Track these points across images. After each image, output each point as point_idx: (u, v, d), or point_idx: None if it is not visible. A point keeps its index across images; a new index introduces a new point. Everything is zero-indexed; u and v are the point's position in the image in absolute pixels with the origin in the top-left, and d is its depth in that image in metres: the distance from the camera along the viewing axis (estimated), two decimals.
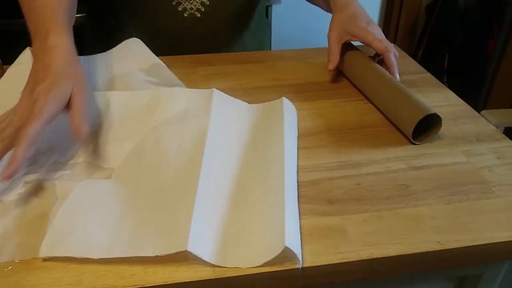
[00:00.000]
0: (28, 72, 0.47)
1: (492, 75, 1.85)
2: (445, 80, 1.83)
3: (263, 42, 0.87)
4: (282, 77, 0.67)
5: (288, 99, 0.57)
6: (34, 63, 0.48)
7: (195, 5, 0.71)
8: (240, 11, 0.77)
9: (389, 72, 0.59)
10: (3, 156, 0.42)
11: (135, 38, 0.68)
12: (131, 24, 0.74)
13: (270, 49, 0.96)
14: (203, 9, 0.72)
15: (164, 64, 0.64)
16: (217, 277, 0.34)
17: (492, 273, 0.44)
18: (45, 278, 0.34)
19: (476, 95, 1.81)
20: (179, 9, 0.71)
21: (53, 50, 0.47)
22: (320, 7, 0.75)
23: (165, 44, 0.72)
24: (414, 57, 0.62)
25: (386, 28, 1.94)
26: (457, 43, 1.83)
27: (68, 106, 0.45)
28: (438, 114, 0.49)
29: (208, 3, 0.71)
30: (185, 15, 0.71)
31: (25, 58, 0.59)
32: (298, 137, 0.51)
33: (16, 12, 0.55)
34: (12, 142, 0.41)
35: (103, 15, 0.76)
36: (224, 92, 0.57)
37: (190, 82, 0.63)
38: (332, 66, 0.62)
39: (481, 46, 1.84)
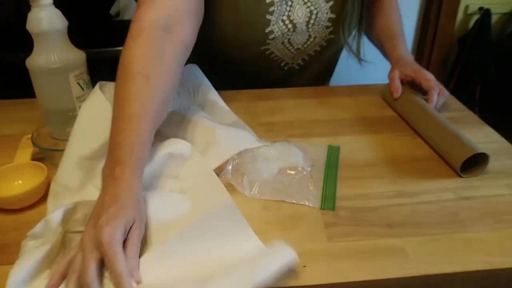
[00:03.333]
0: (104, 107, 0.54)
1: None
2: (476, 111, 1.87)
3: None
4: (336, 112, 0.75)
5: (342, 133, 0.66)
6: (102, 191, 0.45)
7: (295, 61, 0.82)
8: (331, 61, 0.91)
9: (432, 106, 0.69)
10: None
11: (193, 65, 0.75)
12: (227, 68, 0.82)
13: None
14: (302, 63, 0.83)
15: (221, 99, 0.72)
16: None
17: None
18: None
19: (509, 127, 1.84)
20: (282, 64, 0.82)
21: (118, 183, 0.45)
22: (376, 46, 0.85)
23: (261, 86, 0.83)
24: (445, 88, 0.72)
25: (418, 59, 2.01)
26: (489, 75, 1.88)
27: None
28: (486, 153, 0.56)
29: (307, 59, 0.82)
30: (286, 68, 0.83)
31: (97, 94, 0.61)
32: (357, 167, 0.59)
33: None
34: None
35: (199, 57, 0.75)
36: (280, 126, 0.66)
37: (250, 116, 0.72)
38: (396, 95, 0.73)
39: None
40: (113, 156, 0.47)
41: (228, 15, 0.72)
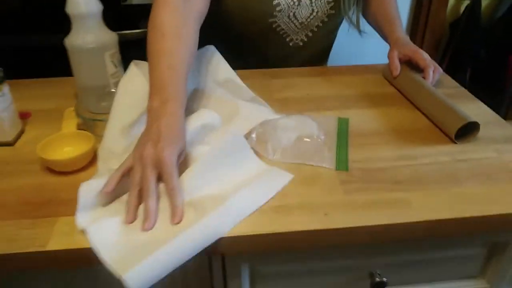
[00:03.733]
0: (140, 82, 0.62)
1: None
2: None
3: None
4: (343, 88, 0.83)
5: (349, 107, 0.74)
6: (153, 121, 0.54)
7: (300, 37, 0.89)
8: (330, 40, 0.97)
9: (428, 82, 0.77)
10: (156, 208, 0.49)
11: (211, 47, 0.81)
12: (239, 49, 0.89)
13: None
14: (306, 39, 0.90)
15: (238, 77, 0.78)
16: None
17: None
18: None
19: (497, 107, 1.94)
20: (287, 39, 0.89)
21: (171, 116, 0.54)
22: (374, 28, 0.93)
23: (264, 66, 0.90)
24: None
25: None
26: (479, 58, 1.96)
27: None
28: (477, 121, 0.64)
29: (310, 34, 0.90)
30: (291, 44, 0.90)
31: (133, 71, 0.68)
32: (364, 135, 0.67)
33: None
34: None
35: (209, 34, 0.79)
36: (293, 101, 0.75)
37: (264, 93, 0.79)
38: (396, 73, 0.81)
39: (502, 61, 1.98)
40: (161, 94, 0.56)
41: None
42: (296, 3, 0.83)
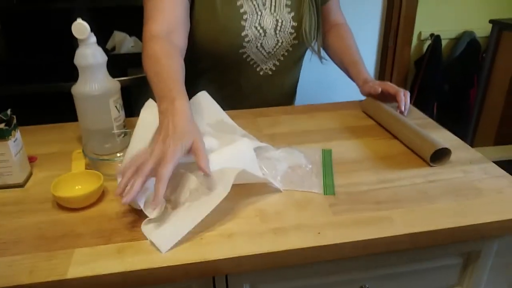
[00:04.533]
0: (155, 116, 0.69)
1: (475, 119, 2.14)
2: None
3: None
4: (324, 123, 0.91)
5: (332, 139, 0.82)
6: (164, 119, 0.63)
7: (268, 66, 0.99)
8: (296, 69, 1.08)
9: (399, 106, 0.88)
10: (142, 186, 0.57)
11: (203, 92, 0.88)
12: (213, 81, 0.98)
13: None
14: (274, 68, 1.00)
15: (229, 118, 0.85)
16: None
17: (487, 249, 0.65)
18: None
19: (463, 135, 2.08)
20: (257, 69, 0.98)
21: (179, 112, 0.63)
22: (339, 67, 1.05)
23: (239, 94, 1.00)
24: None
25: (380, 80, 2.24)
26: (443, 93, 2.12)
27: (189, 152, 0.61)
28: (449, 148, 0.73)
29: (278, 63, 1.00)
30: (261, 73, 0.99)
31: (150, 105, 0.77)
32: (347, 163, 0.74)
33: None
34: (148, 176, 0.58)
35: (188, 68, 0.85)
36: (280, 136, 0.83)
37: (254, 130, 0.86)
38: (378, 91, 0.92)
39: (464, 95, 2.15)
40: (167, 97, 0.65)
41: (208, 23, 0.89)
42: (262, 34, 0.93)
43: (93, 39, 0.72)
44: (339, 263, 0.61)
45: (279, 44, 0.96)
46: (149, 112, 0.74)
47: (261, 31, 0.93)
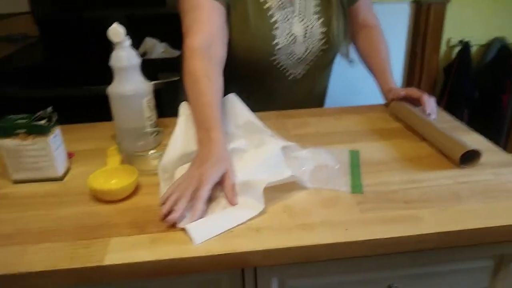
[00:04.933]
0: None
1: (508, 125, 2.08)
2: None
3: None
4: (350, 125, 0.92)
5: (359, 141, 0.82)
6: (200, 148, 0.68)
7: (298, 70, 1.01)
8: (325, 73, 1.09)
9: (425, 109, 0.88)
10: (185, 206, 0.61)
11: (232, 95, 0.90)
12: (243, 87, 0.99)
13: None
14: (304, 72, 1.01)
15: (257, 119, 0.86)
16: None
17: None
18: None
19: (495, 142, 2.02)
20: (287, 74, 1.00)
21: (214, 142, 0.67)
22: (366, 68, 1.05)
23: (269, 99, 1.02)
24: None
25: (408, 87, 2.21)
26: (473, 99, 2.08)
27: (221, 181, 0.65)
28: (479, 149, 0.72)
29: (308, 67, 1.01)
30: (290, 78, 1.01)
31: (184, 110, 0.81)
32: (375, 164, 0.75)
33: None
34: (190, 200, 0.62)
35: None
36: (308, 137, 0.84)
37: (281, 130, 0.87)
38: (404, 94, 0.93)
39: (495, 101, 2.09)
40: (204, 125, 0.70)
41: (242, 33, 0.91)
42: (292, 41, 0.95)
43: (128, 42, 0.76)
44: (366, 260, 0.62)
45: (309, 50, 0.98)
46: (186, 117, 0.79)
47: (291, 38, 0.95)
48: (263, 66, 0.97)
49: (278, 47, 0.94)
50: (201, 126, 0.71)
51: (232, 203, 0.63)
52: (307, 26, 0.96)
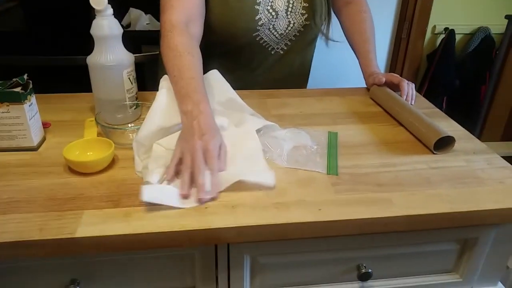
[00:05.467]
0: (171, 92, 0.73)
1: (484, 116, 2.13)
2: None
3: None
4: (331, 107, 0.92)
5: (339, 123, 0.83)
6: (191, 120, 0.67)
7: (280, 46, 1.00)
8: (308, 50, 1.08)
9: (402, 95, 0.90)
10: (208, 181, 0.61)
11: (214, 70, 0.89)
12: (226, 63, 0.99)
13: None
14: (285, 48, 1.01)
15: (238, 97, 0.86)
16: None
17: (485, 236, 0.67)
18: None
19: (470, 131, 2.07)
20: (269, 49, 1.00)
21: (206, 114, 0.68)
22: (353, 51, 1.05)
23: (251, 75, 1.01)
24: None
25: (391, 72, 2.23)
26: (454, 88, 2.11)
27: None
28: (453, 136, 0.73)
29: (289, 43, 1.01)
30: (272, 52, 1.00)
31: (165, 83, 0.78)
32: (352, 147, 0.76)
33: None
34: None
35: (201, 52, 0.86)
36: (288, 117, 0.84)
37: (262, 110, 0.88)
38: (382, 81, 0.94)
39: (475, 91, 2.13)
40: (192, 98, 0.69)
41: (223, 7, 0.90)
42: (275, 16, 0.94)
43: (110, 10, 0.74)
44: (337, 240, 0.63)
45: (291, 25, 0.97)
46: (167, 90, 0.76)
47: (273, 13, 0.94)
48: (245, 42, 0.96)
49: (260, 22, 0.93)
50: (188, 100, 0.69)
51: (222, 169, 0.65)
52: (289, 1, 0.95)
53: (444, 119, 0.89)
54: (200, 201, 0.60)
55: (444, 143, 0.75)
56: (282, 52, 1.01)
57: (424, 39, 2.13)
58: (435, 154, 0.75)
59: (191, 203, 0.60)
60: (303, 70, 1.11)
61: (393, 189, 0.65)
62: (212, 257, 0.62)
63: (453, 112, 1.98)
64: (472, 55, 2.10)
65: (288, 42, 1.00)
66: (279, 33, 0.97)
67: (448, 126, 0.85)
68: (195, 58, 0.76)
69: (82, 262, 0.60)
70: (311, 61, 1.12)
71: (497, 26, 2.10)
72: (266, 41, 0.97)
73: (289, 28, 0.97)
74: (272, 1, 0.93)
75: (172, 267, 0.62)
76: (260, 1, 0.92)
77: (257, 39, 0.96)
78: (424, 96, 1.00)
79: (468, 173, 0.70)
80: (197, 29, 0.84)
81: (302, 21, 0.97)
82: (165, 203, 0.58)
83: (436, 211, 0.60)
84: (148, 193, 0.58)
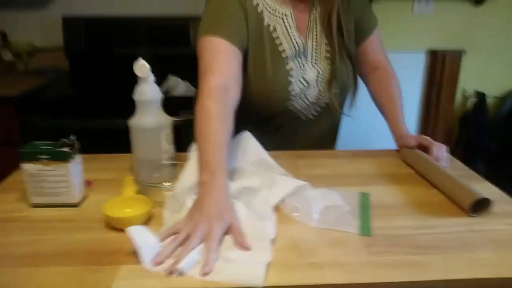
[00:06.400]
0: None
1: None
2: None
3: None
4: (362, 168, 0.93)
5: (370, 184, 0.83)
6: (203, 192, 0.67)
7: (311, 112, 1.04)
8: (337, 116, 1.11)
9: (432, 157, 0.90)
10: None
11: (247, 133, 0.92)
12: (257, 128, 1.00)
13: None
14: (316, 114, 1.05)
15: (270, 157, 0.88)
16: None
17: None
18: None
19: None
20: (300, 115, 1.04)
21: (218, 189, 0.67)
22: (382, 114, 1.07)
23: (282, 139, 1.04)
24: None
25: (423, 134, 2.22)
26: (490, 151, 2.07)
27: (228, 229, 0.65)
28: (490, 198, 0.72)
29: (319, 109, 1.05)
30: (303, 118, 1.04)
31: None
32: (385, 208, 0.75)
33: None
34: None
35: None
36: (319, 177, 0.85)
37: (293, 170, 0.89)
38: (413, 144, 0.95)
39: None
40: (209, 169, 0.69)
41: (259, 78, 0.96)
42: (306, 86, 0.99)
43: (152, 78, 0.80)
44: None
45: (321, 93, 1.01)
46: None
47: (305, 83, 0.99)
48: (278, 110, 1.01)
49: (293, 92, 0.98)
50: (206, 168, 0.70)
51: (243, 245, 0.62)
52: (319, 71, 1.00)
53: (479, 182, 0.87)
54: (169, 271, 0.57)
55: (480, 206, 0.73)
56: (312, 118, 1.05)
57: (454, 102, 2.14)
58: (472, 216, 0.73)
59: (158, 268, 0.58)
60: (332, 134, 1.14)
61: (430, 252, 0.63)
62: None
63: (492, 176, 1.92)
64: (507, 117, 2.08)
65: (318, 108, 1.04)
66: (310, 101, 1.02)
67: (485, 188, 0.83)
68: (224, 125, 0.77)
69: None
70: (341, 123, 1.14)
71: None
72: (298, 109, 1.02)
73: (319, 96, 1.02)
74: (303, 73, 0.99)
75: None
76: (293, 74, 0.97)
77: (289, 107, 1.01)
78: (460, 159, 0.99)
79: (510, 237, 0.67)
80: (235, 94, 0.86)
81: (331, 89, 1.01)
82: (138, 250, 0.59)
83: (476, 275, 0.58)
84: (136, 230, 0.61)
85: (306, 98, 1.01)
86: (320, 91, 1.01)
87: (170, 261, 0.59)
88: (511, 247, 0.64)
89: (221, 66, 0.87)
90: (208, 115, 0.78)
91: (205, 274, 0.57)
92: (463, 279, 0.57)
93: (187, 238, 0.62)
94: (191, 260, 0.59)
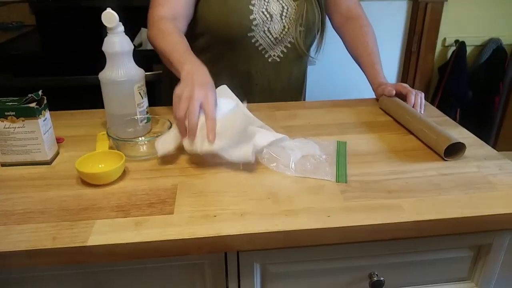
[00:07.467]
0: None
1: (498, 126, 2.10)
2: None
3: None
4: (340, 118, 0.93)
5: (348, 133, 0.83)
6: (192, 75, 0.74)
7: (276, 52, 1.02)
8: (304, 58, 1.09)
9: (409, 104, 0.91)
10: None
11: (224, 86, 0.90)
12: (225, 70, 1.02)
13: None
14: (282, 55, 1.03)
15: (247, 109, 0.86)
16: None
17: (498, 242, 0.65)
18: None
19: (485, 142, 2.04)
20: (266, 55, 1.01)
21: (201, 70, 0.76)
22: (358, 65, 1.05)
23: (249, 84, 1.03)
24: None
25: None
26: (467, 99, 2.09)
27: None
28: (463, 142, 0.73)
29: (285, 50, 1.02)
30: (269, 60, 1.02)
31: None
32: (361, 155, 0.76)
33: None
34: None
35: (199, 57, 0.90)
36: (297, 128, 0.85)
37: (272, 121, 0.88)
38: (393, 93, 0.95)
39: (488, 102, 2.11)
40: (184, 67, 0.76)
41: (219, 6, 0.94)
42: (269, 19, 0.97)
43: (121, 28, 0.76)
44: (348, 248, 0.63)
45: (286, 29, 0.99)
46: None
47: (268, 15, 0.96)
48: (241, 44, 0.98)
49: (255, 22, 0.96)
50: (184, 62, 0.77)
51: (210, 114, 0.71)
52: (283, 6, 0.98)
53: (454, 127, 0.88)
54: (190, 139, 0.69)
55: (454, 150, 0.74)
56: (278, 60, 1.03)
57: (434, 52, 2.13)
58: (446, 161, 0.74)
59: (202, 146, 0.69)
60: (299, 80, 1.12)
61: (403, 196, 0.64)
62: (222, 267, 0.62)
63: (467, 123, 1.96)
64: (484, 66, 2.09)
65: (284, 49, 1.02)
66: (274, 37, 0.99)
67: (459, 133, 0.84)
68: (183, 37, 0.85)
69: (94, 272, 0.60)
70: (306, 75, 1.13)
71: (508, 37, 2.09)
72: (261, 44, 0.99)
73: (284, 32, 0.99)
74: (267, 4, 0.96)
75: (182, 276, 0.63)
76: (254, 3, 0.95)
77: (252, 41, 0.98)
78: (437, 108, 0.99)
79: (480, 179, 0.69)
80: (182, 28, 0.91)
81: (297, 27, 0.99)
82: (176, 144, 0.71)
83: (447, 216, 0.60)
84: (161, 148, 0.70)
85: (269, 32, 0.98)
86: (284, 27, 0.99)
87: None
88: (480, 188, 0.66)
89: (169, 0, 0.90)
90: (164, 31, 0.85)
91: (211, 141, 0.68)
92: (434, 220, 0.59)
93: (188, 99, 0.70)
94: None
